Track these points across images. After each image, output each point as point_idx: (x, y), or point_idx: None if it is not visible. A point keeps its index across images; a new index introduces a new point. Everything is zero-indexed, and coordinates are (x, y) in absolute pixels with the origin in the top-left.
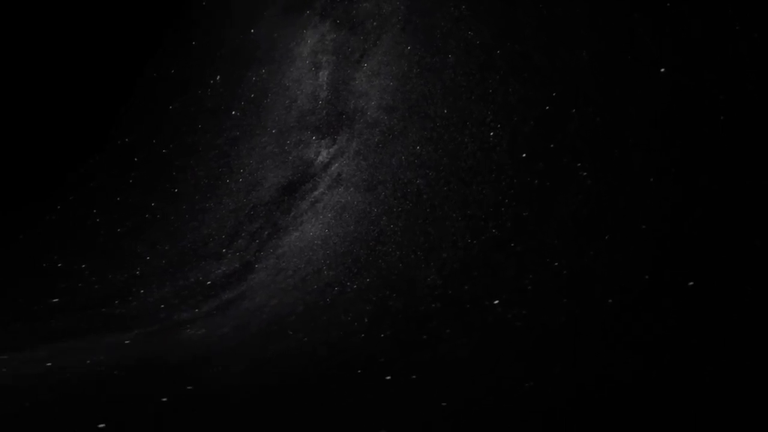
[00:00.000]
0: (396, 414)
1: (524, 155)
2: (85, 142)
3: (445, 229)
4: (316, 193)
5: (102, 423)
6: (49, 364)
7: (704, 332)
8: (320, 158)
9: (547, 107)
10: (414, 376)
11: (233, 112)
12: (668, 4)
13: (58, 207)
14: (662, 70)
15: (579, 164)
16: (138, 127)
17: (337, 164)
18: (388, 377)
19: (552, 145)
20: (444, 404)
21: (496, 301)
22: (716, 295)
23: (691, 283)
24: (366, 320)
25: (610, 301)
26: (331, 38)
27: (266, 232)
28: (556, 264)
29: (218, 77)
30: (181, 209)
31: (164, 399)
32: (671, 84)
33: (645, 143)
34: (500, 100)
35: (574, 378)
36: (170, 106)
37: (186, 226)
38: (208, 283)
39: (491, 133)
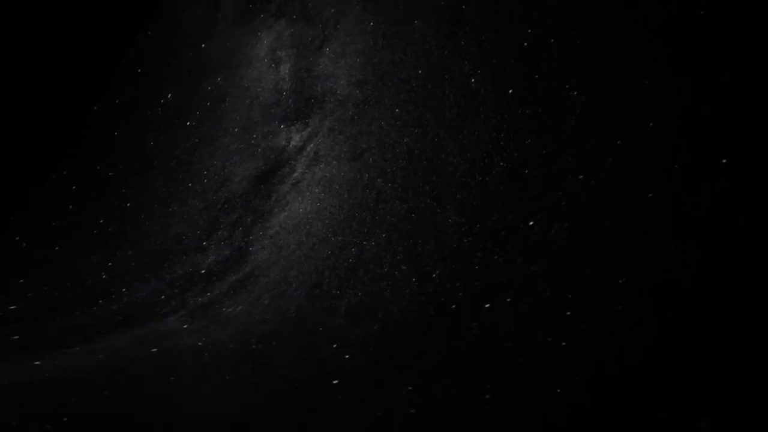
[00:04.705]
0: (520, 334)
1: (510, 91)
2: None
3: (449, 174)
4: (295, 174)
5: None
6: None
7: (744, 213)
8: (293, 143)
9: (525, 44)
10: (508, 299)
11: (188, 123)
12: None
13: None
14: None
15: (568, 86)
16: (75, 158)
17: (312, 144)
18: (487, 305)
19: (537, 76)
20: (568, 313)
21: (531, 222)
22: (751, 172)
23: (724, 161)
24: (404, 267)
25: (650, 195)
26: (288, 33)
27: (249, 219)
28: (581, 177)
29: (169, 95)
30: (140, 218)
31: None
32: None
33: (631, 53)
34: (475, 49)
35: (655, 268)
36: (115, 132)
37: (150, 231)
38: (203, 271)
39: (472, 80)
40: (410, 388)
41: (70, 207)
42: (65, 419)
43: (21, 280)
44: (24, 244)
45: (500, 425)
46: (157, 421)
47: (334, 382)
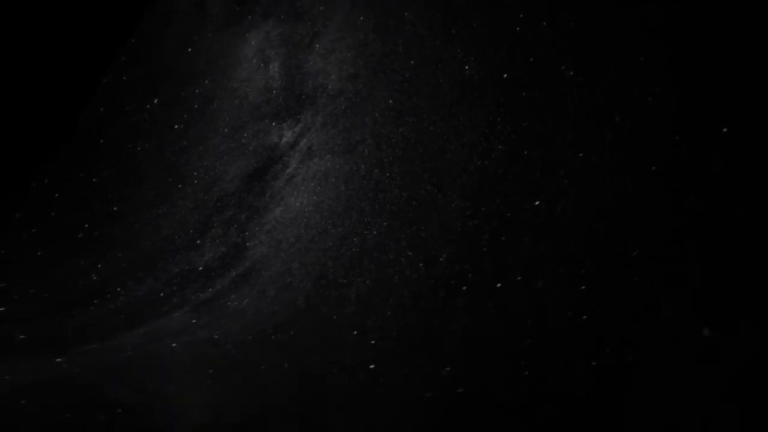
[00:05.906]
0: (536, 311)
1: (505, 76)
2: None
3: (447, 161)
4: (289, 170)
5: None
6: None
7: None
8: (285, 140)
9: (518, 28)
10: (519, 277)
11: (176, 126)
12: None
13: None
14: None
15: (563, 67)
16: (60, 165)
17: (305, 140)
18: (499, 284)
19: (531, 59)
20: (583, 287)
21: (537, 202)
22: (747, 139)
23: (725, 130)
24: (410, 253)
25: (654, 167)
26: (277, 33)
27: (243, 216)
28: (581, 155)
29: (156, 100)
30: (129, 222)
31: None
32: None
33: (625, 34)
34: (468, 38)
35: (663, 238)
36: (101, 139)
37: (140, 233)
38: (200, 268)
39: (466, 67)
40: (448, 368)
41: (53, 214)
42: (119, 410)
43: (3, 284)
44: (2, 251)
45: (547, 401)
46: (199, 411)
47: (371, 366)
